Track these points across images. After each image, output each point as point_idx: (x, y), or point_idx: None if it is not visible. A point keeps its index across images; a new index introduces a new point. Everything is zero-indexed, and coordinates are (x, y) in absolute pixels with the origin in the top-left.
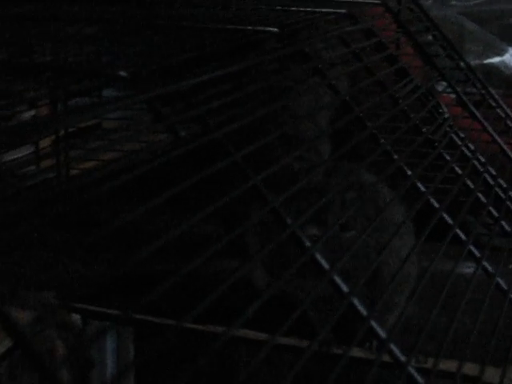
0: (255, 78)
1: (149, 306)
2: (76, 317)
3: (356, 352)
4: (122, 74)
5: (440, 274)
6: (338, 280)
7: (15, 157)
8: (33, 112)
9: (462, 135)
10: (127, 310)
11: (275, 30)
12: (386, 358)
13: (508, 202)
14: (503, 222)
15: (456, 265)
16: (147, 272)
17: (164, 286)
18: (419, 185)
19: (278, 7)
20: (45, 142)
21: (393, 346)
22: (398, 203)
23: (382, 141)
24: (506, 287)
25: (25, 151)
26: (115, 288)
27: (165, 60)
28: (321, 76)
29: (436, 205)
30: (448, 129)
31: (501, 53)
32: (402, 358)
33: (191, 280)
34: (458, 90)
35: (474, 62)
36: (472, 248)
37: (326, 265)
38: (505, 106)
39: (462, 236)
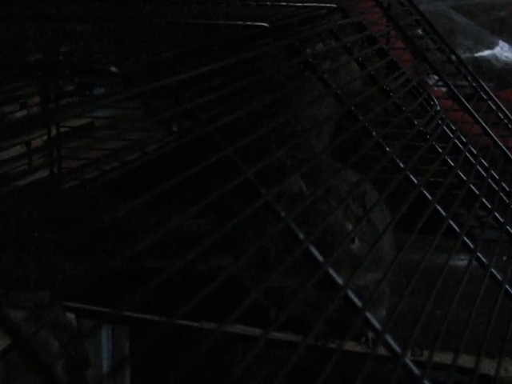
0: (246, 73)
1: (145, 305)
2: (70, 316)
3: (352, 346)
4: (114, 69)
5: (434, 267)
6: (332, 272)
7: (7, 157)
8: (24, 112)
9: (453, 127)
10: (118, 308)
11: (265, 25)
12: (382, 351)
13: (501, 194)
14: (496, 214)
15: (450, 256)
16: (143, 269)
17: (155, 282)
18: (412, 177)
19: (268, 2)
20: (37, 143)
21: (388, 338)
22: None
23: (374, 133)
24: (500, 278)
25: (17, 152)
26: (110, 287)
27: (156, 56)
28: (312, 70)
29: (429, 197)
30: (440, 121)
31: (491, 46)
32: (398, 350)
33: (187, 277)
34: (449, 83)
35: (464, 56)
36: (466, 239)
37: (320, 257)
38: (496, 99)
39: (456, 227)
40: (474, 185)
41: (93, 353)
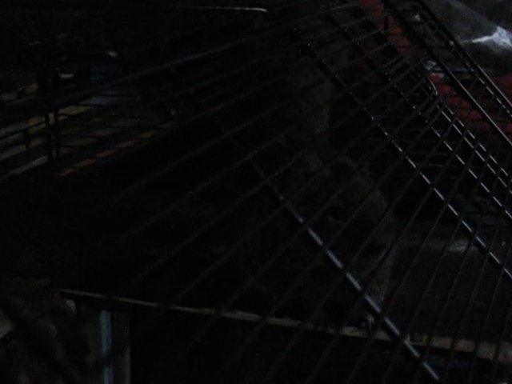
0: (245, 58)
1: (150, 292)
2: (70, 303)
3: (351, 332)
4: (112, 54)
5: (433, 253)
6: (331, 255)
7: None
8: (22, 100)
9: (452, 113)
10: (116, 294)
11: (263, 10)
12: (382, 336)
13: (499, 178)
14: (495, 198)
15: (449, 241)
16: (143, 257)
17: (150, 268)
18: (410, 161)
19: None
20: (35, 131)
21: (388, 320)
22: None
23: (373, 118)
24: (499, 262)
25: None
26: (111, 274)
27: (154, 41)
28: (310, 55)
29: (428, 181)
30: (438, 106)
31: (489, 32)
32: (397, 332)
33: (192, 265)
34: (447, 68)
35: (462, 42)
36: (464, 223)
37: (319, 240)
38: (494, 85)
39: (455, 212)
40: (472, 170)
41: (92, 339)
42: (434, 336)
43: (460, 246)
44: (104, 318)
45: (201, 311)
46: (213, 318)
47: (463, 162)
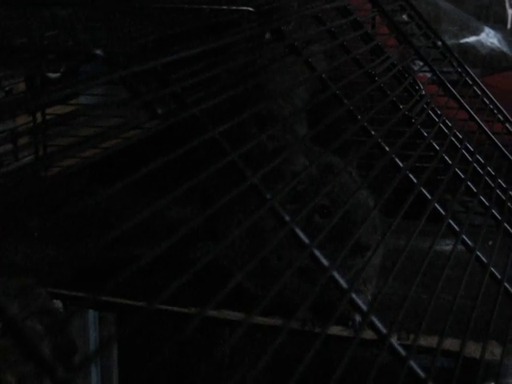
0: (231, 57)
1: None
2: (57, 302)
3: (338, 331)
4: (98, 52)
5: (420, 252)
6: (318, 254)
7: None
8: (9, 99)
9: (439, 112)
10: (99, 293)
11: (250, 9)
12: (369, 335)
13: (486, 178)
14: (482, 198)
15: (435, 240)
16: (131, 256)
17: (134, 267)
18: (397, 161)
19: None
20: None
21: (374, 319)
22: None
23: (359, 117)
24: (486, 261)
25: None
26: (98, 274)
27: (140, 39)
28: (297, 54)
29: (414, 180)
30: (425, 106)
31: (477, 32)
32: (384, 331)
33: (180, 265)
34: (435, 68)
35: (450, 42)
36: (451, 222)
37: (305, 239)
38: (481, 84)
39: (442, 211)
40: (459, 169)
41: (80, 339)
42: (420, 335)
43: (447, 245)
44: (91, 317)
45: (188, 310)
46: (198, 317)
47: (450, 162)
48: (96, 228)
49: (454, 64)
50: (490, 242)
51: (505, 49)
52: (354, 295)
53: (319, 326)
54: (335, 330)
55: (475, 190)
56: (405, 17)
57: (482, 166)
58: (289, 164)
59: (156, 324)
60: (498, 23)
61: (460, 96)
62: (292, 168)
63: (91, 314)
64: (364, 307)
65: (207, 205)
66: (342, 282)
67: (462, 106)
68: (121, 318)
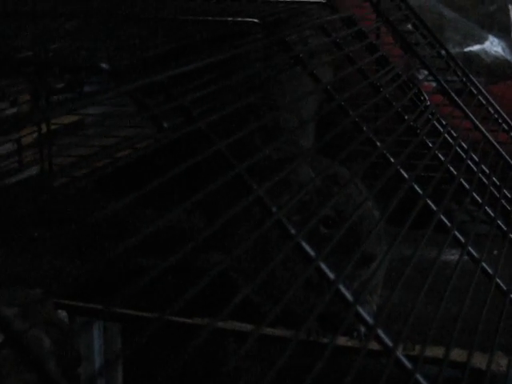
0: (237, 69)
1: (139, 302)
2: (62, 313)
3: (344, 342)
4: (104, 66)
5: (426, 262)
6: (324, 267)
7: None
8: (15, 109)
9: (444, 122)
10: (110, 305)
11: (256, 20)
12: (375, 346)
13: (491, 188)
14: (487, 208)
15: (441, 250)
16: (137, 267)
17: (144, 279)
18: (402, 172)
19: None
20: (27, 140)
21: (380, 332)
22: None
23: (365, 128)
24: (491, 272)
25: (7, 150)
26: (105, 285)
27: (146, 52)
28: (302, 65)
29: (420, 191)
30: (430, 116)
31: (481, 41)
32: (390, 344)
33: (187, 275)
34: (439, 77)
35: (454, 51)
36: (457, 233)
37: (311, 252)
38: (486, 93)
39: (447, 222)
40: (464, 179)
41: (85, 349)
42: (426, 346)
43: (452, 255)
44: (97, 327)
45: (194, 321)
46: (207, 328)
47: (455, 172)
48: (102, 238)
49: (459, 73)
50: (496, 252)
51: (509, 57)
52: (359, 308)
53: (324, 335)
54: (340, 340)
55: (480, 201)
56: (409, 26)
57: (487, 177)
58: (294, 174)
59: (162, 335)
60: (502, 31)
61: (465, 105)
62: (297, 178)
63: (96, 324)
64: (370, 320)
65: (212, 214)
66: (347, 295)
67: (466, 116)
68: (126, 328)
